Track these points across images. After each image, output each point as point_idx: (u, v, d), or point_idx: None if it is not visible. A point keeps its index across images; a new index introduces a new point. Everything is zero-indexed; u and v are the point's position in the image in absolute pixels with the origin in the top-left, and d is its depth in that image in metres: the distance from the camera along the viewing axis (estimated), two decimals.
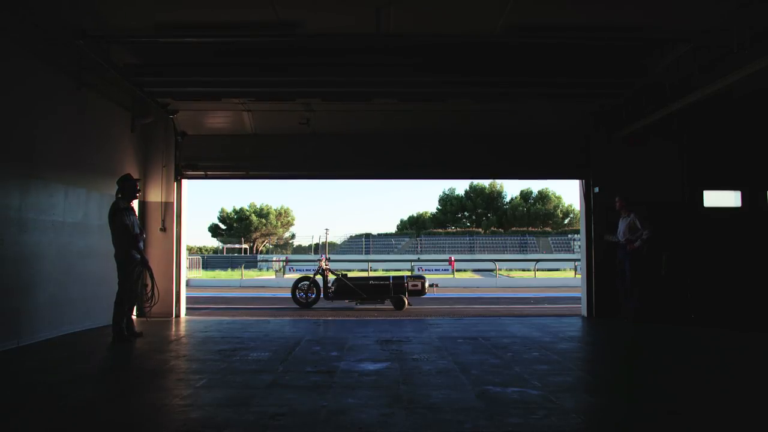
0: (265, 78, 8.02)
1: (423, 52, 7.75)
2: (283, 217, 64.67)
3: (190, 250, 51.66)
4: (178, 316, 9.32)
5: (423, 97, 8.97)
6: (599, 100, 9.10)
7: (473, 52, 7.80)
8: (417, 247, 52.75)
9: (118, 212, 6.73)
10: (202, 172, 9.58)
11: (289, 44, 7.50)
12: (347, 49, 7.64)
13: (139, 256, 6.88)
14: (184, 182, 9.62)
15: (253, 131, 9.63)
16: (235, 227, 62.50)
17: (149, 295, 7.15)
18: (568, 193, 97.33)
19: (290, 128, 9.55)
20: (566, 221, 60.51)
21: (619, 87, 8.48)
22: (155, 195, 9.31)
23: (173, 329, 8.10)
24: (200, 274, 31.32)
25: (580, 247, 10.67)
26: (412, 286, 12.05)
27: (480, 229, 58.62)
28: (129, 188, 6.97)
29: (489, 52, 7.77)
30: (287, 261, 36.06)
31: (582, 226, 9.86)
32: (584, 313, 9.62)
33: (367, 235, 57.33)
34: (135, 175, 7.89)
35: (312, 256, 44.23)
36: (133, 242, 6.80)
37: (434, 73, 7.97)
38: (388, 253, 50.20)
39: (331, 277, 12.46)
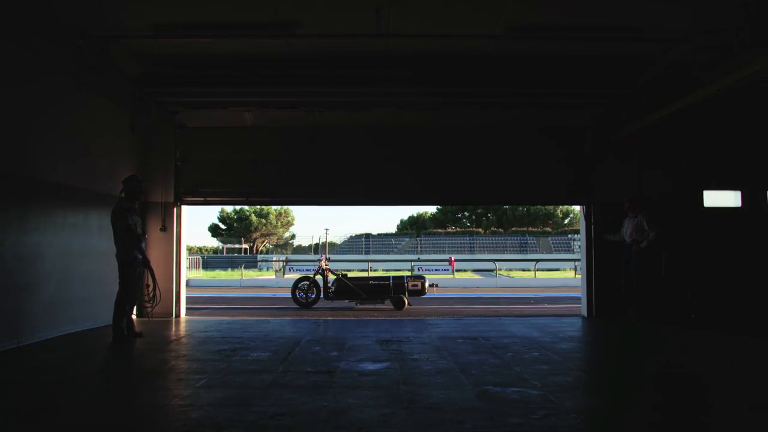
0: (269, 89, 8.23)
1: (421, 63, 7.98)
2: (283, 217, 64.59)
3: (190, 250, 51.64)
4: (178, 316, 9.33)
5: (420, 107, 9.19)
6: (595, 110, 9.18)
7: (471, 65, 8.05)
8: (417, 247, 52.72)
9: (121, 212, 6.73)
10: (202, 198, 9.60)
11: (293, 55, 7.71)
12: (348, 58, 7.83)
13: (140, 257, 6.89)
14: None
15: (254, 157, 9.52)
16: (235, 227, 62.43)
17: (151, 295, 7.16)
18: None
19: (290, 154, 9.52)
20: (566, 221, 60.48)
21: (614, 98, 8.59)
22: (156, 195, 9.30)
23: (173, 329, 8.10)
24: (200, 274, 31.28)
25: (580, 247, 10.67)
26: (412, 286, 12.06)
27: (480, 229, 58.58)
28: (133, 189, 6.94)
29: (486, 64, 8.01)
30: (287, 261, 36.01)
31: (582, 227, 9.86)
32: (584, 313, 9.62)
33: (367, 235, 57.29)
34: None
35: (312, 256, 44.17)
36: (135, 243, 6.80)
37: (432, 85, 8.21)
38: (388, 253, 50.16)
39: (331, 277, 12.46)
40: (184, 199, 9.48)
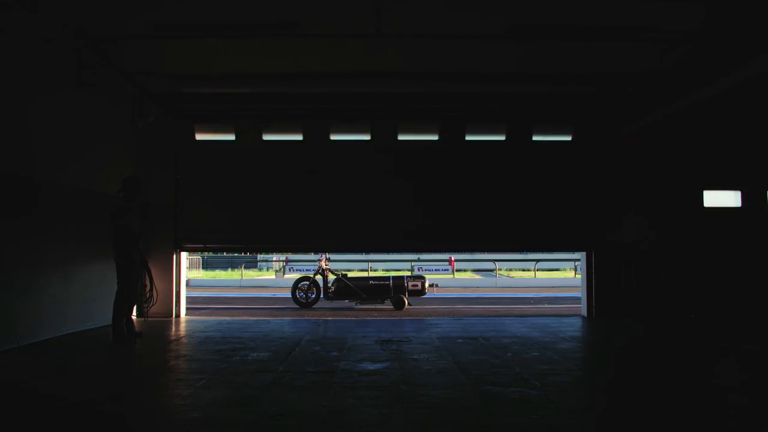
0: (274, 104, 8.62)
1: (419, 78, 8.24)
2: None
3: None
4: (178, 316, 9.32)
5: (419, 119, 9.56)
6: (592, 111, 9.30)
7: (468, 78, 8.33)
8: None
9: (120, 212, 6.72)
10: (202, 245, 9.68)
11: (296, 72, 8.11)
12: (350, 75, 8.10)
13: (138, 257, 6.87)
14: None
15: (252, 204, 9.45)
16: None
17: (148, 296, 7.15)
18: None
19: (289, 202, 9.44)
20: None
21: (612, 99, 8.67)
22: (155, 195, 9.27)
23: (173, 329, 8.10)
24: (200, 274, 31.25)
25: None
26: (412, 286, 12.07)
27: None
28: (132, 188, 6.91)
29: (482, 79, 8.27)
30: (287, 261, 35.92)
31: None
32: (584, 313, 9.62)
33: None
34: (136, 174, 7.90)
35: (312, 256, 43.72)
36: (133, 242, 6.78)
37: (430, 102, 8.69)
38: (388, 253, 50.04)
39: (331, 277, 12.48)
40: (184, 246, 9.44)
